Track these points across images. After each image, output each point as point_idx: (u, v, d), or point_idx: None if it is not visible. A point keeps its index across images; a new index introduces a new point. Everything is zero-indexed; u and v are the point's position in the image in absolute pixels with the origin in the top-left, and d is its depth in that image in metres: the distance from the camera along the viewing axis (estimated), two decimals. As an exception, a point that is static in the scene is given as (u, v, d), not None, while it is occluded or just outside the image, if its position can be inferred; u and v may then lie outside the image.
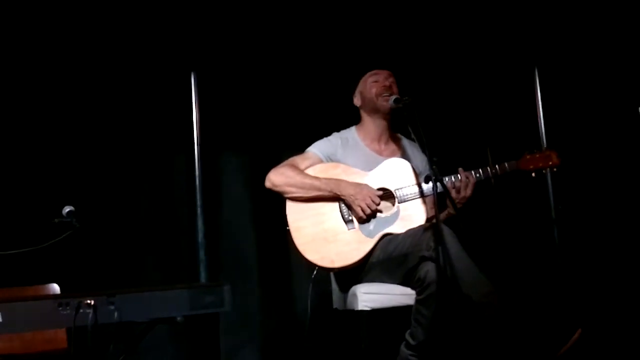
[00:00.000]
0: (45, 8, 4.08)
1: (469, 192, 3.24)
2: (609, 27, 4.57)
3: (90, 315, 2.48)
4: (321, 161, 3.43)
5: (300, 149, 3.52)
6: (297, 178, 3.31)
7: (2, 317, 2.41)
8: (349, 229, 3.27)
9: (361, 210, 3.19)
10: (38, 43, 4.17)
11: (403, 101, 3.26)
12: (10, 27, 4.09)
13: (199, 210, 4.22)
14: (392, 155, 3.50)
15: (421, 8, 4.50)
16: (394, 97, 3.35)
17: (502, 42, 4.67)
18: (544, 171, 3.42)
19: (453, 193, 3.20)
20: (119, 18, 4.24)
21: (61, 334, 3.63)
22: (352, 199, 3.22)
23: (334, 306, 3.59)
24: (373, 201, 3.22)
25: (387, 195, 3.32)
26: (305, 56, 4.57)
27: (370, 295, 3.15)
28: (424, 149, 3.06)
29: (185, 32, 4.34)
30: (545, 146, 4.58)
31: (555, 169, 3.37)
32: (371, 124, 3.54)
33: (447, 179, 3.22)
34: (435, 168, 2.95)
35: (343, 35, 4.56)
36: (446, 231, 2.98)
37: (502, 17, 4.59)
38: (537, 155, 3.34)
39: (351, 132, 3.58)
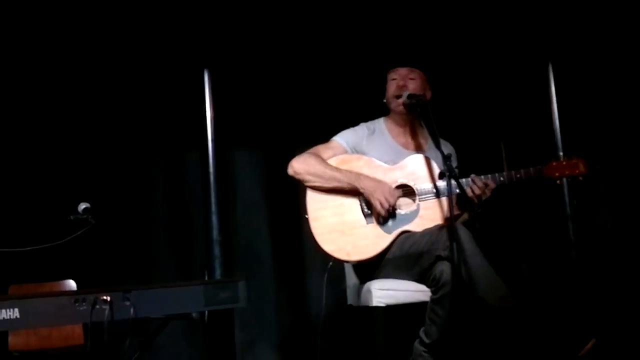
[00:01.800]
0: (62, 8, 4.10)
1: (488, 194, 3.21)
2: (623, 22, 4.53)
3: (107, 311, 2.51)
4: (345, 151, 3.41)
5: (314, 143, 3.49)
6: (318, 167, 3.29)
7: (19, 313, 2.44)
8: (367, 223, 3.25)
9: (379, 204, 3.17)
10: (55, 43, 4.21)
11: (416, 97, 3.25)
12: (24, 26, 4.12)
13: (213, 206, 4.23)
14: (417, 149, 3.47)
15: (435, 5, 4.48)
16: (407, 93, 3.34)
17: (515, 38, 4.64)
18: (569, 180, 3.35)
19: (474, 190, 3.16)
20: (133, 16, 4.26)
21: (77, 330, 3.66)
22: (370, 192, 3.20)
23: (348, 302, 3.59)
24: (391, 198, 3.19)
25: (408, 192, 3.30)
26: (318, 52, 4.56)
27: (385, 292, 3.15)
28: (438, 145, 3.04)
29: (198, 30, 4.35)
30: (560, 145, 4.53)
31: (581, 178, 3.25)
32: (398, 118, 3.51)
33: (463, 180, 3.19)
34: (449, 164, 2.94)
35: (355, 31, 4.55)
36: (462, 231, 2.98)
37: (516, 13, 4.56)
38: (564, 163, 3.23)
39: (379, 123, 3.55)
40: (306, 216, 3.29)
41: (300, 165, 3.33)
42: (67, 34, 4.21)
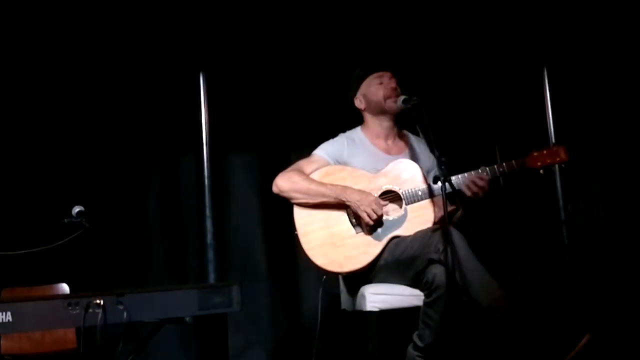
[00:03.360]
0: (58, 11, 4.10)
1: (486, 186, 3.21)
2: (617, 26, 4.55)
3: (100, 315, 2.50)
4: (328, 164, 3.41)
5: (309, 148, 3.50)
6: (303, 184, 3.29)
7: (12, 317, 2.43)
8: (357, 233, 3.26)
9: (367, 215, 3.17)
10: (49, 45, 4.20)
11: (412, 102, 3.25)
12: (15, 29, 4.12)
13: (207, 210, 4.22)
14: (399, 152, 3.48)
15: (430, 7, 4.49)
16: (402, 97, 3.33)
17: (510, 40, 4.65)
18: (552, 168, 3.35)
19: (472, 187, 3.17)
20: (128, 19, 4.26)
21: (70, 334, 3.65)
22: (357, 205, 3.19)
23: (342, 307, 3.59)
24: (378, 209, 3.19)
25: (394, 197, 3.31)
26: (313, 57, 4.57)
27: (379, 296, 3.15)
28: (433, 148, 3.03)
29: (194, 33, 4.35)
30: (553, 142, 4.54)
31: (563, 165, 3.28)
32: (377, 124, 3.51)
33: (454, 178, 3.18)
34: (444, 168, 2.94)
35: (351, 35, 4.55)
36: (455, 234, 2.98)
37: (511, 15, 4.57)
38: (545, 152, 3.23)
39: (357, 132, 3.55)
40: (295, 232, 3.29)
41: (285, 183, 3.32)
42: (63, 37, 4.20)
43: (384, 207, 3.24)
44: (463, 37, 4.64)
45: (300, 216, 3.30)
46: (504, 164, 3.23)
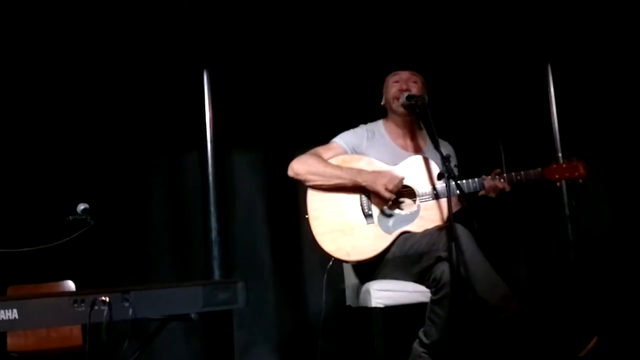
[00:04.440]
0: (61, 9, 4.11)
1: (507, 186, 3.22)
2: (622, 23, 4.54)
3: (105, 312, 2.50)
4: (345, 152, 3.42)
5: (313, 145, 3.49)
6: (319, 166, 3.30)
7: (18, 314, 2.43)
8: (367, 224, 3.26)
9: (383, 188, 3.17)
10: (54, 43, 4.21)
11: (415, 99, 3.25)
12: (24, 27, 4.13)
13: (212, 207, 4.22)
14: (417, 151, 3.47)
15: (433, 6, 4.49)
16: (406, 94, 3.34)
17: (514, 38, 4.65)
18: (569, 182, 3.34)
19: (490, 193, 3.19)
20: (133, 17, 4.27)
21: (75, 331, 3.65)
22: (373, 184, 3.20)
23: (347, 303, 3.60)
24: (395, 182, 3.19)
25: (408, 192, 3.31)
26: (317, 53, 4.56)
27: (384, 292, 3.15)
28: (437, 146, 3.04)
29: (198, 31, 4.35)
30: (559, 146, 4.54)
31: (581, 181, 3.26)
32: (396, 121, 3.52)
33: (470, 181, 3.21)
34: (448, 165, 2.94)
35: (354, 33, 4.55)
36: (462, 232, 2.98)
37: (515, 14, 4.56)
38: (564, 166, 3.23)
39: (378, 125, 3.56)
40: (306, 216, 3.30)
41: (301, 166, 3.33)
42: (67, 35, 4.21)
43: (399, 198, 3.24)
44: (466, 35, 4.63)
45: (313, 200, 3.31)
46: (522, 172, 3.22)
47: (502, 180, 3.20)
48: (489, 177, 3.22)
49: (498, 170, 3.23)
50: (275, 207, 4.52)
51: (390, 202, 3.21)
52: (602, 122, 4.67)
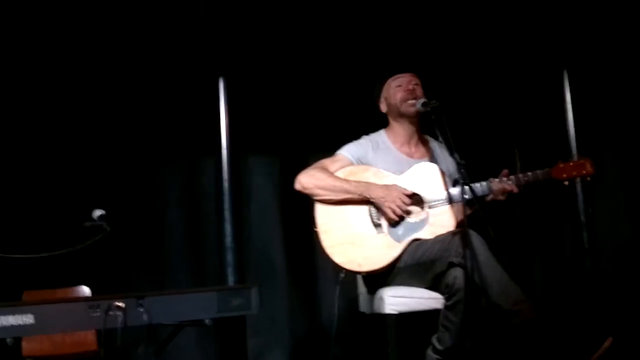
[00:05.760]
0: (81, 14, 4.14)
1: (515, 188, 3.22)
2: (637, 27, 4.51)
3: (120, 318, 2.51)
4: (351, 164, 3.41)
5: (328, 151, 3.50)
6: (327, 180, 3.29)
7: (34, 319, 2.44)
8: (377, 233, 3.25)
9: (391, 211, 3.17)
10: (73, 49, 4.24)
11: (431, 105, 3.24)
12: (40, 31, 4.16)
13: (227, 213, 4.23)
14: (422, 157, 3.47)
15: (450, 10, 4.49)
16: (421, 100, 3.32)
17: (530, 43, 4.64)
18: (576, 180, 3.34)
19: (499, 196, 3.19)
20: (150, 24, 4.30)
21: (90, 336, 3.67)
22: (381, 201, 3.20)
23: (361, 310, 3.59)
24: (403, 202, 3.19)
25: (416, 200, 3.30)
26: (331, 59, 4.58)
27: (397, 299, 3.15)
28: (452, 152, 3.03)
29: (214, 38, 4.38)
30: (575, 152, 4.52)
31: (589, 178, 3.26)
32: (400, 128, 3.50)
33: (478, 185, 3.20)
34: (464, 172, 2.94)
35: (369, 38, 4.56)
36: (475, 238, 2.97)
37: (531, 19, 4.56)
38: (571, 164, 3.23)
39: (381, 136, 3.54)
40: (315, 229, 3.29)
41: (309, 180, 3.32)
42: (86, 43, 4.24)
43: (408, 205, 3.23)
44: (483, 40, 4.63)
45: (322, 214, 3.30)
46: (529, 173, 3.22)
47: (509, 182, 3.20)
48: (497, 179, 3.22)
49: (506, 172, 3.22)
50: (289, 213, 4.52)
51: (395, 218, 3.20)
52: (619, 129, 4.65)
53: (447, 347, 2.99)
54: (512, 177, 3.22)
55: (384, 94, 3.53)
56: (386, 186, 3.25)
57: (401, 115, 3.46)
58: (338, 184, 3.29)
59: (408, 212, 3.21)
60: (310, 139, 4.51)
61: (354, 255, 3.21)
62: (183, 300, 2.68)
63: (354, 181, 3.30)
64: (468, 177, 2.98)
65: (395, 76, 3.50)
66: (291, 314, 4.50)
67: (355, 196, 3.26)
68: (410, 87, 3.42)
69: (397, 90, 3.45)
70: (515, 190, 3.20)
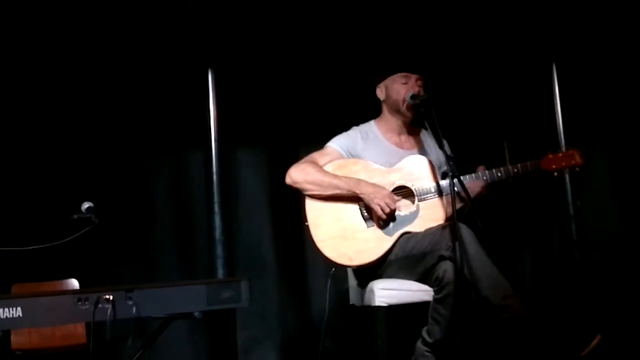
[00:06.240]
0: (66, 8, 4.12)
1: (484, 191, 3.24)
2: (626, 22, 4.53)
3: (109, 310, 2.51)
4: (341, 156, 3.40)
5: (317, 144, 3.50)
6: (316, 175, 3.29)
7: (22, 312, 2.44)
8: (368, 227, 3.26)
9: (380, 209, 3.18)
10: (59, 43, 4.22)
11: (420, 97, 3.25)
12: (26, 26, 4.14)
13: (216, 206, 4.23)
14: (412, 148, 3.47)
15: (439, 4, 4.48)
16: (410, 93, 3.33)
17: (519, 37, 4.64)
18: (565, 171, 3.36)
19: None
20: (137, 16, 4.27)
21: (80, 329, 3.67)
22: (370, 197, 3.20)
23: (351, 302, 3.59)
24: (392, 203, 3.19)
25: (407, 193, 3.31)
26: (321, 52, 4.56)
27: (387, 291, 3.15)
28: (441, 145, 3.04)
29: (202, 30, 4.36)
30: (563, 144, 4.53)
31: (577, 169, 3.30)
32: (392, 119, 3.50)
33: (467, 177, 3.21)
34: (452, 164, 2.94)
35: (359, 31, 4.55)
36: (465, 231, 2.98)
37: (519, 12, 4.56)
38: (560, 155, 3.26)
39: (371, 126, 3.54)
40: (306, 224, 3.29)
41: (299, 175, 3.32)
42: (71, 34, 4.22)
43: (396, 202, 3.24)
44: (471, 34, 4.62)
45: (312, 208, 3.30)
46: (519, 165, 3.24)
47: (498, 174, 3.23)
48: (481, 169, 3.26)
49: (482, 167, 3.27)
50: (279, 206, 4.52)
51: (384, 217, 3.21)
52: (608, 122, 4.66)
53: (436, 340, 3.00)
54: (501, 168, 3.25)
55: (387, 82, 3.49)
56: (376, 185, 3.25)
57: (397, 111, 3.46)
58: (327, 179, 3.29)
59: (394, 211, 3.22)
60: (299, 131, 4.51)
61: (345, 249, 3.22)
62: (172, 293, 2.68)
63: (344, 177, 3.30)
64: (457, 170, 2.98)
65: (405, 73, 3.44)
66: (281, 307, 4.49)
67: (344, 192, 3.26)
68: (417, 88, 3.40)
69: (402, 87, 3.42)
70: (477, 190, 3.23)
